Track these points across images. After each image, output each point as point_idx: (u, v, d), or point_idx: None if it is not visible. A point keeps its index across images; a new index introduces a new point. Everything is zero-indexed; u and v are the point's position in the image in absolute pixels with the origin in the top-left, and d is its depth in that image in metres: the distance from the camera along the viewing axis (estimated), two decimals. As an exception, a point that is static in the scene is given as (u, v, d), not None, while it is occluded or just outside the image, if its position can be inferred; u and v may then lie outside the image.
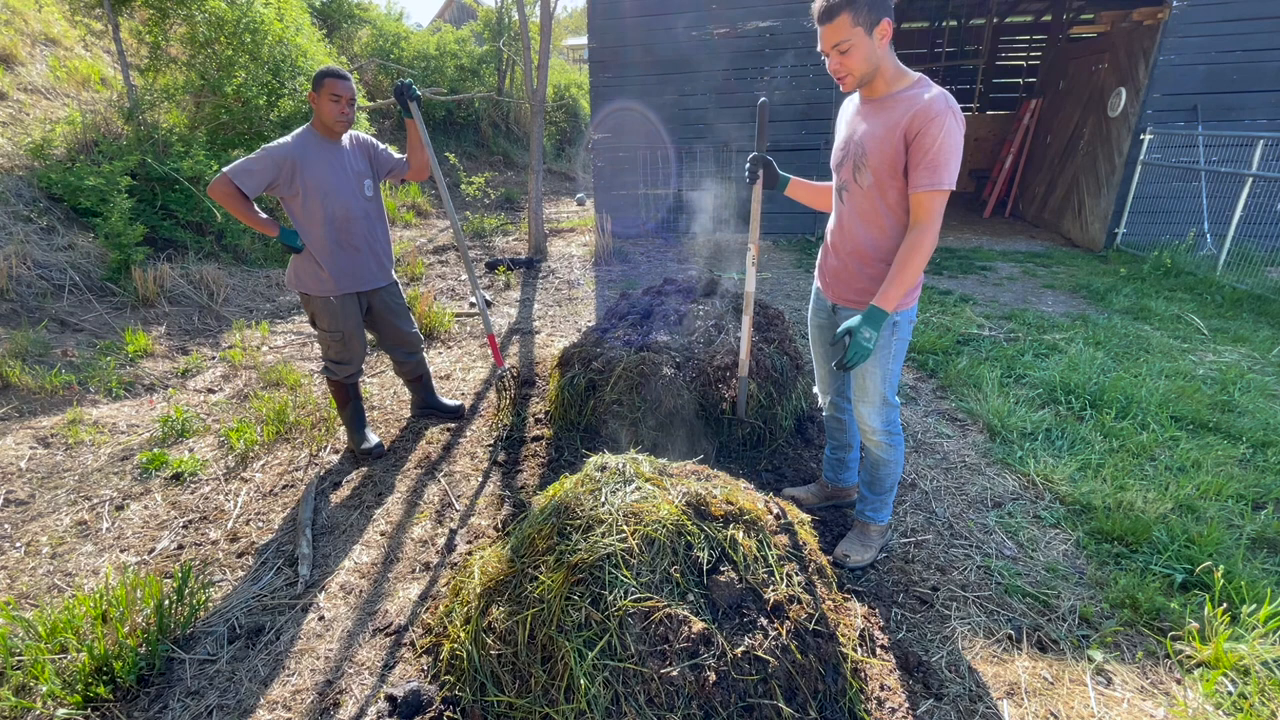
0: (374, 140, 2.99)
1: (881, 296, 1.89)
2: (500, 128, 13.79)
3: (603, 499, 1.82)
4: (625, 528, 1.71)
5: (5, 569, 2.44)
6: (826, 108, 7.65)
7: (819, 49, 1.90)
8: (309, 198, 2.70)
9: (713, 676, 1.50)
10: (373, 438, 3.20)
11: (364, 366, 3.32)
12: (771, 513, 1.95)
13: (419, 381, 3.44)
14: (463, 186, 9.02)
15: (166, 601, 2.07)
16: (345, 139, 2.84)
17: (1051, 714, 1.80)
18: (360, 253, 2.88)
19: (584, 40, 9.46)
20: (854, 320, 1.90)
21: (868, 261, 2.06)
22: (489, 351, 4.39)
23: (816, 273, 2.33)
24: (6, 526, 2.68)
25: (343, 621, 2.18)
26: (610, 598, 1.59)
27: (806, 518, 2.11)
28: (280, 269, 6.21)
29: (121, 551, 2.55)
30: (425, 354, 3.43)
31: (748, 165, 2.29)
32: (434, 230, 8.91)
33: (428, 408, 3.51)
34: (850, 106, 2.10)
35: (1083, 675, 1.92)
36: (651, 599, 1.59)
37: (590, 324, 4.48)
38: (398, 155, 3.05)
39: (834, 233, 2.18)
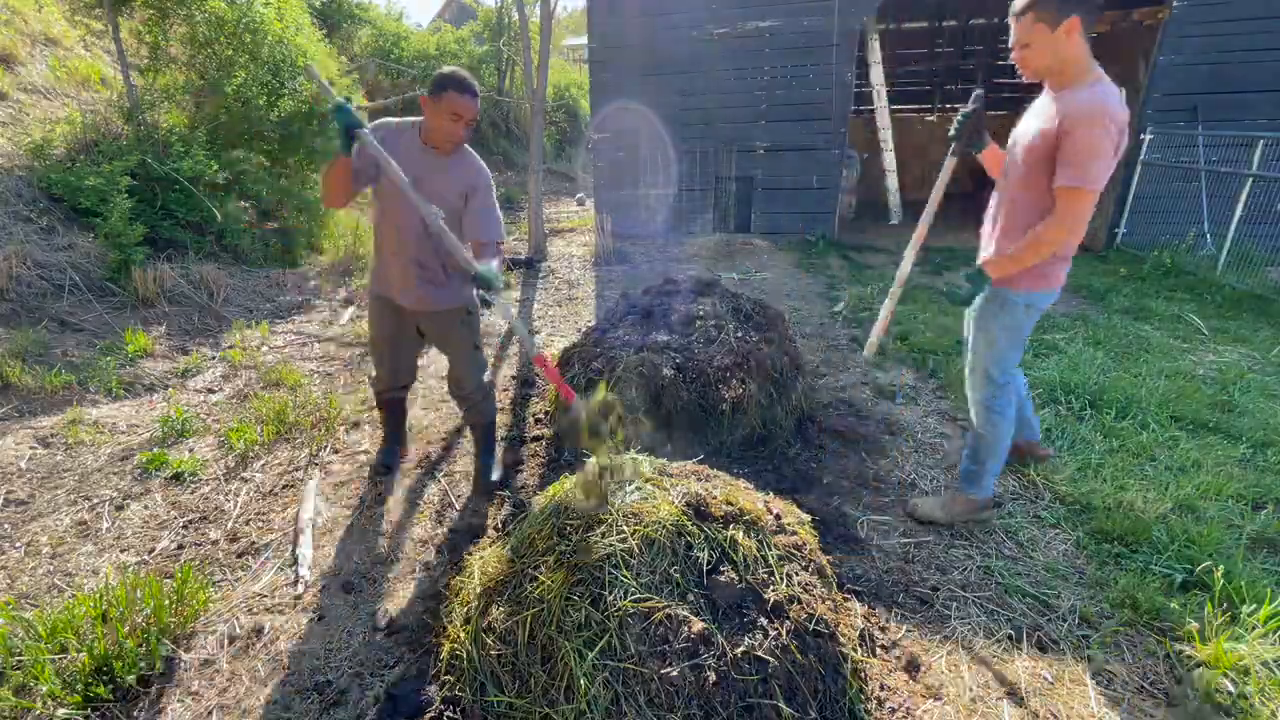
0: (485, 185, 2.46)
1: (990, 261, 2.12)
2: (500, 128, 13.80)
3: (603, 499, 1.82)
4: (625, 528, 1.71)
5: (5, 569, 2.44)
6: (826, 108, 7.64)
7: (1011, 41, 2.05)
8: (385, 196, 2.41)
9: (713, 676, 1.50)
10: (392, 454, 3.05)
11: (402, 389, 2.97)
12: (771, 513, 1.95)
13: (474, 432, 2.92)
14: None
15: (166, 601, 2.07)
16: (451, 155, 2.41)
17: (1051, 714, 1.80)
18: (403, 263, 2.48)
19: (584, 40, 9.45)
20: (968, 270, 2.16)
21: (1005, 248, 2.20)
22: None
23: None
24: (6, 526, 2.68)
25: (343, 621, 2.18)
26: (610, 598, 1.59)
27: (806, 518, 2.11)
28: (280, 269, 6.20)
29: (121, 551, 2.55)
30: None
31: (957, 122, 2.27)
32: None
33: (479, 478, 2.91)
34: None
35: (1083, 675, 1.92)
36: (651, 599, 1.59)
37: (590, 324, 4.47)
38: (483, 226, 2.44)
39: (993, 210, 2.30)
